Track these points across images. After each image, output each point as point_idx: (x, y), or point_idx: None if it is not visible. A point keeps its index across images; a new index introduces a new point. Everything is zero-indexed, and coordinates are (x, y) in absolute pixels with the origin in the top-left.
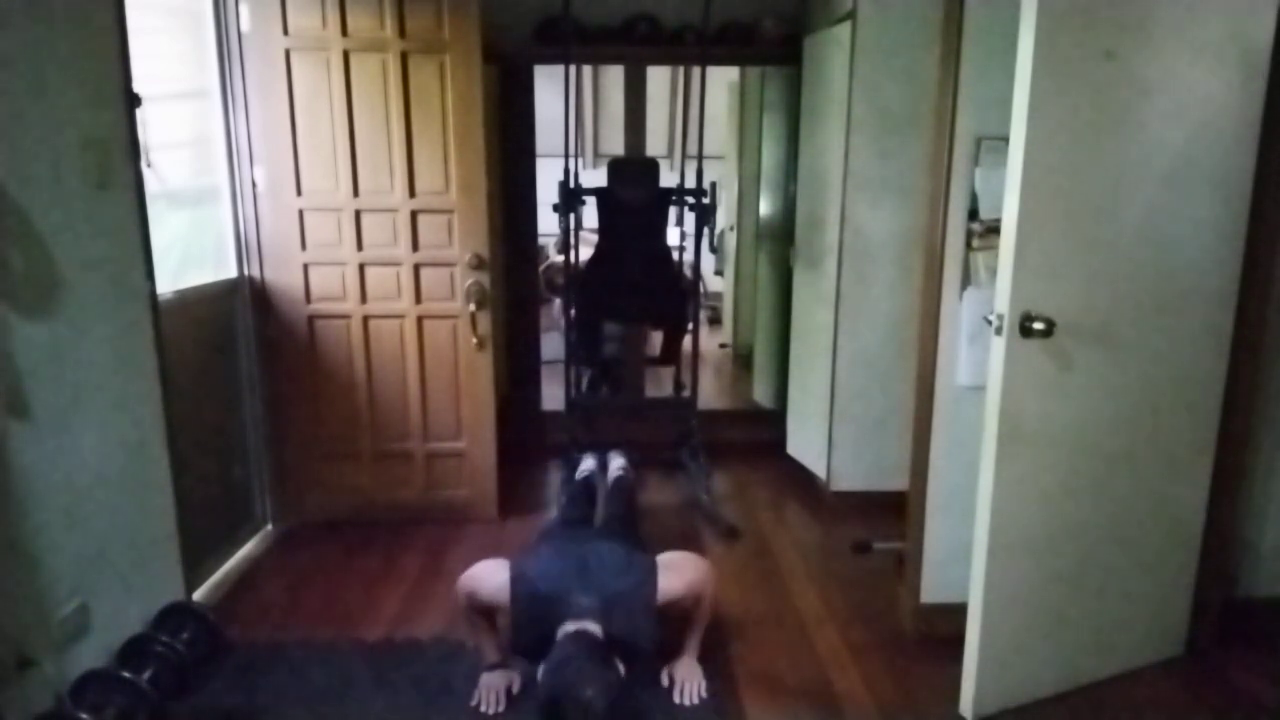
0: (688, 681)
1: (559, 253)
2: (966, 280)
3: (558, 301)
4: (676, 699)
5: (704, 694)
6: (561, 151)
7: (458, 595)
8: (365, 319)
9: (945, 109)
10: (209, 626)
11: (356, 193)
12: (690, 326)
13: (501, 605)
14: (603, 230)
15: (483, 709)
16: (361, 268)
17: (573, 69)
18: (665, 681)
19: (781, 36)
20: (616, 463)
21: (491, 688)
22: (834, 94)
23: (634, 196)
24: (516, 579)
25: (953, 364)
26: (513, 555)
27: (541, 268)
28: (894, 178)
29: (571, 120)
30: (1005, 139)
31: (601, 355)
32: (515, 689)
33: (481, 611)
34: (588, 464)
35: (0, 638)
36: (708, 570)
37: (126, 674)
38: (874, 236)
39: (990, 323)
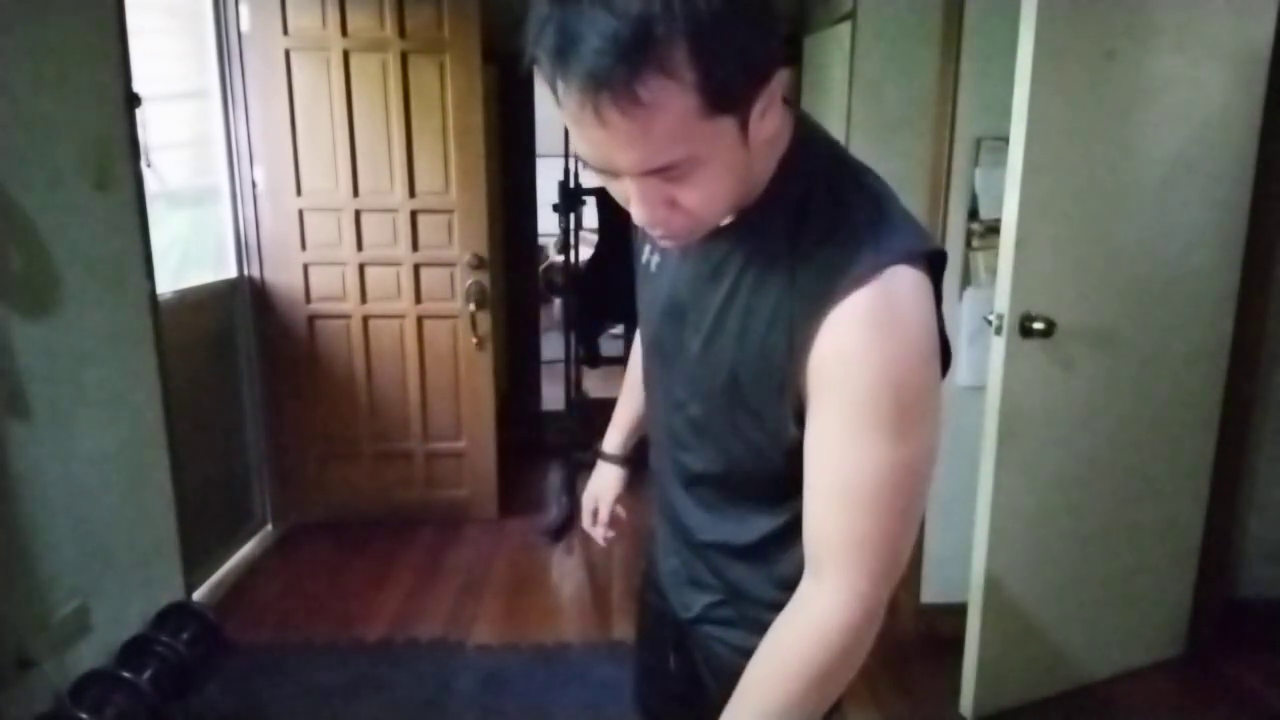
0: None
1: (559, 253)
2: (966, 280)
3: (558, 301)
4: None
5: None
6: (561, 151)
7: None
8: (365, 319)
9: (945, 109)
10: (209, 626)
11: (356, 193)
12: None
13: None
14: (602, 230)
15: (589, 532)
16: (361, 268)
17: None
18: None
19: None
20: None
21: (595, 499)
22: (834, 94)
23: None
24: None
25: (952, 364)
26: None
27: (541, 268)
28: (894, 178)
29: None
30: (1005, 139)
31: (600, 356)
32: (622, 511)
33: None
34: None
35: (0, 638)
36: None
37: (126, 674)
38: None
39: (990, 323)
